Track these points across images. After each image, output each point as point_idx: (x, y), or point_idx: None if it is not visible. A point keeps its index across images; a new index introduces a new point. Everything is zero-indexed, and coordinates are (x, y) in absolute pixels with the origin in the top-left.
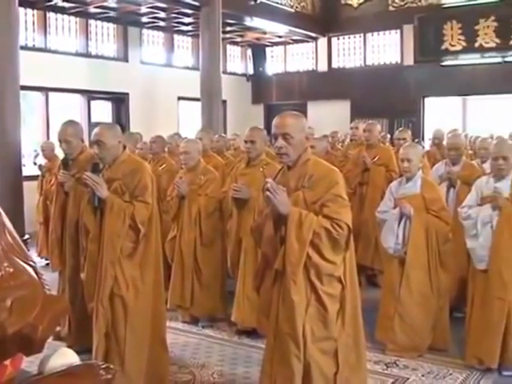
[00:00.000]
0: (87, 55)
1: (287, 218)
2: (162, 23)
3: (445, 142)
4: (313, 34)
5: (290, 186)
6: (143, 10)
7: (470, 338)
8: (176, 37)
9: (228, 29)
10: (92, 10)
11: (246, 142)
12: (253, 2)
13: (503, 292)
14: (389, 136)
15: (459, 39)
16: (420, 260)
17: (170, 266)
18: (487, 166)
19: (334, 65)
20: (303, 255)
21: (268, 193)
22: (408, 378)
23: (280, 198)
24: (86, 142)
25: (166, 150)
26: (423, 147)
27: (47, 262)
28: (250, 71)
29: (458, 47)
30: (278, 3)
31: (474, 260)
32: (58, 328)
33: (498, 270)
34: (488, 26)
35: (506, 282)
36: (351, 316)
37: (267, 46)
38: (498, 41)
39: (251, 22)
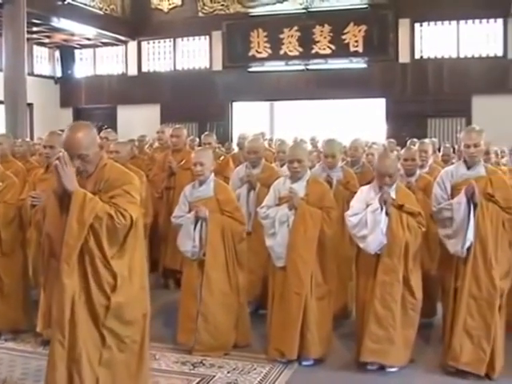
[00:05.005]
0: None
1: (71, 198)
2: None
3: None
4: (122, 38)
5: (87, 190)
6: None
7: (271, 332)
8: None
9: (34, 29)
10: None
11: (44, 147)
12: (60, 3)
13: (300, 287)
14: (198, 140)
15: (265, 47)
16: (218, 260)
17: None
18: (286, 169)
19: (144, 69)
20: (81, 238)
21: (57, 162)
22: (214, 376)
23: (68, 171)
24: None
25: None
26: (233, 149)
27: None
28: (59, 73)
29: (264, 54)
30: (86, 5)
31: (273, 258)
32: None
33: (294, 267)
34: (292, 36)
35: (302, 278)
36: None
37: (76, 48)
38: (300, 49)
39: (58, 22)
